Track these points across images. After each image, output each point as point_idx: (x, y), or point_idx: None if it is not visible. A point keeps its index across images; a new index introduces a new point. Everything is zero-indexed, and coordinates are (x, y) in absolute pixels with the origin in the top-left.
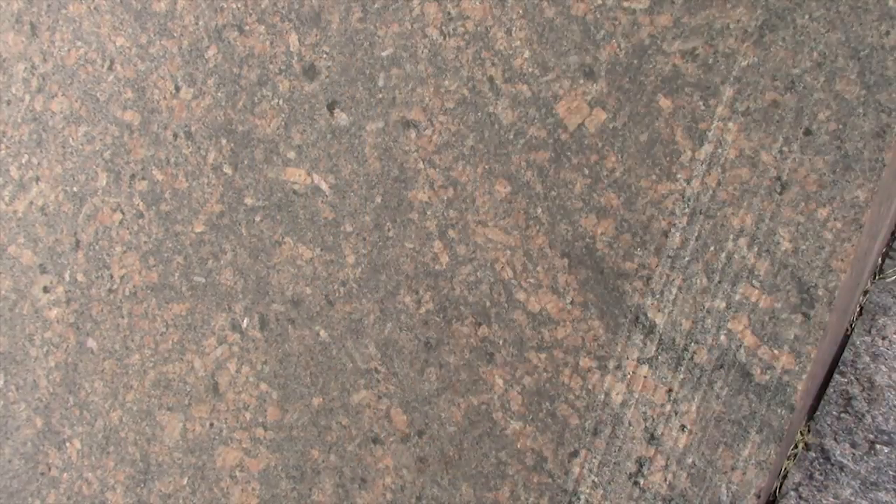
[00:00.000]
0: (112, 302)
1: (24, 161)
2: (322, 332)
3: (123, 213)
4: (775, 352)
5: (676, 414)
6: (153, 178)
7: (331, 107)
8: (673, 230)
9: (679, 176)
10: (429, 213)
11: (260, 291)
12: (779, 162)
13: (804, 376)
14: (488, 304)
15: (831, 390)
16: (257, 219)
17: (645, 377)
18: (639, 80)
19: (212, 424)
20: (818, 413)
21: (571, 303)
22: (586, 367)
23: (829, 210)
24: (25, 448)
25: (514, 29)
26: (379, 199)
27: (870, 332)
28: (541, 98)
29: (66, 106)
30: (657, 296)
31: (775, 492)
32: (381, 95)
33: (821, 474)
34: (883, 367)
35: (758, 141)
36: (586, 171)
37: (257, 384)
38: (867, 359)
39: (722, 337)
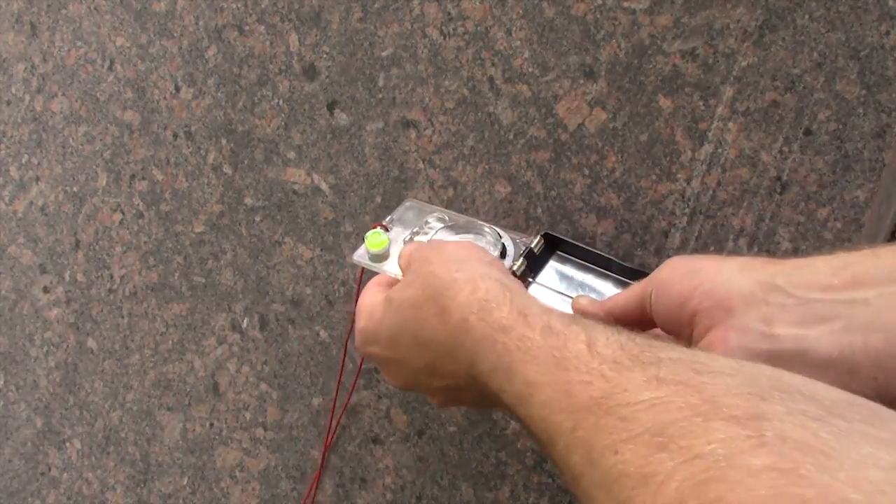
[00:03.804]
0: (112, 302)
1: (24, 161)
2: (322, 332)
3: (123, 213)
4: None
5: None
6: (153, 178)
7: (331, 107)
8: (673, 230)
9: (679, 176)
10: None
11: (260, 291)
12: (779, 162)
13: None
14: None
15: None
16: (257, 219)
17: None
18: (639, 80)
19: (212, 424)
20: None
21: None
22: None
23: (829, 210)
24: (25, 448)
25: (514, 29)
26: (379, 199)
27: None
28: (541, 98)
29: (66, 106)
30: None
31: None
32: (381, 95)
33: None
34: None
35: (758, 141)
36: (586, 171)
37: (257, 384)
38: None
39: None
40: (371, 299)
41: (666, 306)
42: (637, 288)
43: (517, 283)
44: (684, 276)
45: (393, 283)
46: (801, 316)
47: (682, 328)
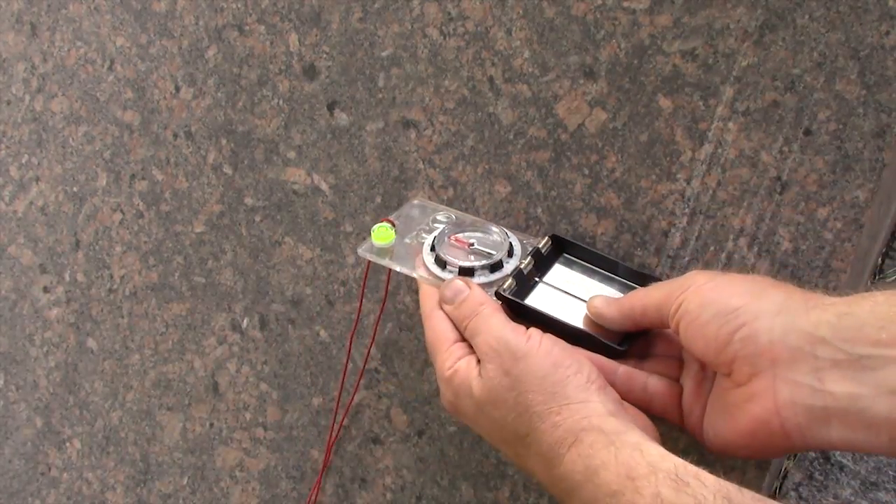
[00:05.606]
0: (112, 302)
1: (24, 161)
2: (322, 332)
3: (123, 213)
4: None
5: None
6: (153, 178)
7: (331, 107)
8: (673, 230)
9: (679, 176)
10: None
11: (260, 291)
12: (779, 162)
13: None
14: None
15: None
16: (257, 219)
17: None
18: (639, 80)
19: (212, 424)
20: None
21: None
22: None
23: (829, 210)
24: (25, 448)
25: (514, 29)
26: (379, 199)
27: None
28: (541, 98)
29: (66, 106)
30: None
31: (775, 492)
32: (381, 95)
33: (821, 474)
34: None
35: (758, 141)
36: (586, 171)
37: (257, 384)
38: None
39: None
40: (458, 376)
41: (700, 345)
42: (656, 296)
43: (617, 418)
44: (718, 315)
45: (437, 296)
46: (853, 373)
47: (716, 367)
